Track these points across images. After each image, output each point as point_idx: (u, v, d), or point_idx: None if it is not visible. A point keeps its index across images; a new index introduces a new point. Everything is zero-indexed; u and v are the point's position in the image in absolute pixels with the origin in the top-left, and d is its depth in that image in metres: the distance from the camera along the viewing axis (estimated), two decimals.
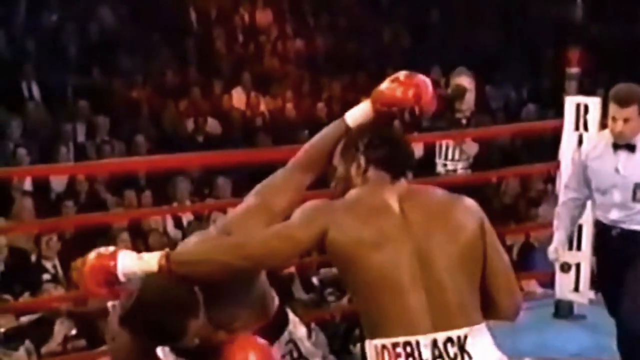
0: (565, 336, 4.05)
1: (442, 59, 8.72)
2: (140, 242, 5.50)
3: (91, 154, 7.24)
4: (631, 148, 3.37)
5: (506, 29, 10.96)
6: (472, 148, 4.42)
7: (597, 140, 3.54)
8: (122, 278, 1.96)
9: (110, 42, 8.81)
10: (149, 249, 5.45)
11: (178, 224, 6.19)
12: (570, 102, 4.26)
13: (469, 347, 1.89)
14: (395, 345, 1.89)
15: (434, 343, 1.89)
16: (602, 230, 3.49)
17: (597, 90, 8.22)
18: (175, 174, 6.57)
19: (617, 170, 3.36)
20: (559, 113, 4.47)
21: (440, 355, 1.89)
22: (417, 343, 1.89)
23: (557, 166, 4.33)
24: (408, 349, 1.88)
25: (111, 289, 1.96)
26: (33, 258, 5.33)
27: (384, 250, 1.92)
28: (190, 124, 8.30)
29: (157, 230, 5.76)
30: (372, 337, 1.93)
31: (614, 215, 3.37)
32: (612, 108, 3.33)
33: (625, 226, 3.35)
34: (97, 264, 1.96)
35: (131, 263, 1.97)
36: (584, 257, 4.18)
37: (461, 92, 4.45)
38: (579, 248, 4.19)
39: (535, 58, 10.56)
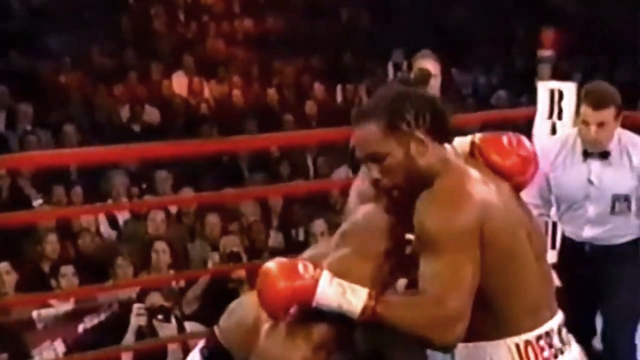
0: None
1: (406, 41, 8.76)
2: (70, 244, 5.44)
3: (13, 146, 7.14)
4: (604, 155, 3.23)
5: (475, 8, 11.05)
6: None
7: (558, 144, 3.34)
8: (313, 305, 1.80)
9: (35, 19, 8.69)
10: (79, 251, 5.40)
11: (113, 223, 6.14)
12: (543, 88, 4.30)
13: (565, 333, 1.99)
14: (539, 338, 1.93)
15: (559, 330, 1.97)
16: (572, 247, 3.37)
17: (573, 75, 8.38)
18: (109, 168, 6.51)
19: (590, 181, 3.23)
20: (532, 100, 4.52)
21: (563, 342, 1.97)
22: (552, 331, 1.95)
23: None
24: (548, 340, 1.94)
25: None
26: None
27: (520, 234, 1.92)
28: (126, 112, 8.23)
29: (89, 231, 5.71)
30: (502, 336, 1.91)
31: (588, 232, 3.26)
32: (585, 111, 3.19)
33: (603, 243, 3.25)
34: (300, 288, 1.78)
35: (333, 296, 1.79)
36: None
37: (425, 77, 4.41)
38: (553, 246, 4.21)
39: (507, 39, 10.67)
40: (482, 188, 1.86)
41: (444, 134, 1.90)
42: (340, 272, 1.83)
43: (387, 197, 1.88)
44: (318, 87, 9.48)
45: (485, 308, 1.86)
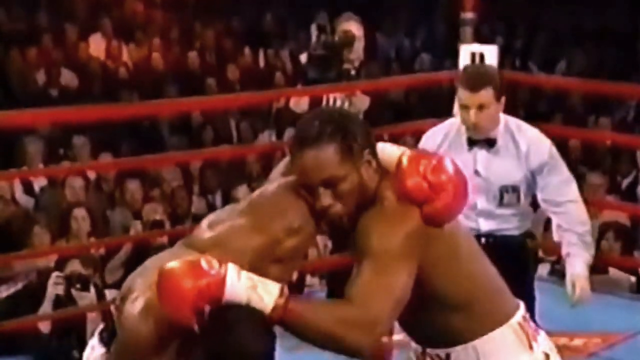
0: None
1: (328, 3, 8.74)
2: None
3: None
4: (490, 144, 3.07)
5: None
6: (362, 102, 4.45)
7: (441, 133, 3.17)
8: (223, 302, 1.69)
9: None
10: None
11: (29, 190, 6.02)
12: (465, 51, 4.35)
13: None
14: (524, 317, 1.98)
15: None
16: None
17: (495, 38, 8.48)
18: (24, 133, 6.37)
19: (476, 172, 3.05)
20: (455, 63, 4.56)
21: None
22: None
23: None
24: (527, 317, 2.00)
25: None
26: None
27: (460, 228, 1.96)
28: (41, 76, 8.05)
29: (4, 198, 5.58)
30: (500, 322, 1.93)
31: (484, 225, 3.12)
32: (462, 94, 3.00)
33: (497, 235, 3.11)
34: (204, 286, 1.66)
35: (243, 291, 1.69)
36: None
37: (349, 39, 4.47)
38: None
39: (429, 3, 10.73)
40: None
41: (375, 152, 1.88)
42: (228, 240, 1.79)
43: (330, 224, 1.83)
44: (240, 51, 9.40)
45: (470, 302, 1.89)
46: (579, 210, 3.12)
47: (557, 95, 8.59)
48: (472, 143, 3.08)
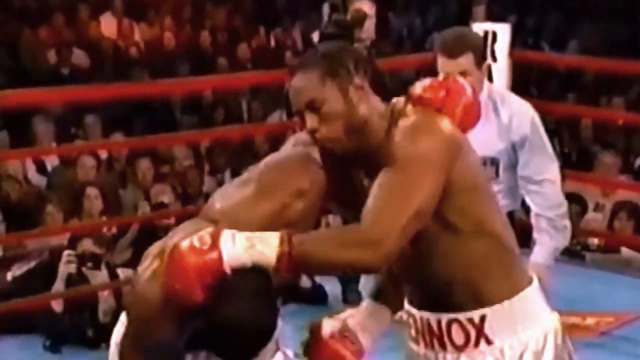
0: None
1: None
2: None
3: None
4: None
5: None
6: None
7: None
8: (228, 272, 1.67)
9: None
10: (6, 198, 5.30)
11: (41, 169, 6.04)
12: (477, 30, 4.33)
13: None
14: None
15: None
16: None
17: (507, 17, 8.42)
18: (36, 112, 6.38)
19: None
20: None
21: None
22: None
23: None
24: None
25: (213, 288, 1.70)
26: None
27: (483, 177, 1.93)
28: (52, 56, 8.04)
29: (16, 178, 5.60)
30: (529, 282, 1.89)
31: None
32: (441, 62, 2.84)
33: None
34: (201, 262, 1.65)
35: (242, 253, 1.67)
36: None
37: (361, 18, 4.44)
38: None
39: None
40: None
41: (382, 91, 1.84)
42: (237, 209, 1.80)
43: (321, 149, 1.82)
44: (251, 30, 9.37)
45: (498, 258, 1.83)
46: (555, 191, 2.99)
47: (570, 74, 8.54)
48: None
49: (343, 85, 1.78)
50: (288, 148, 1.94)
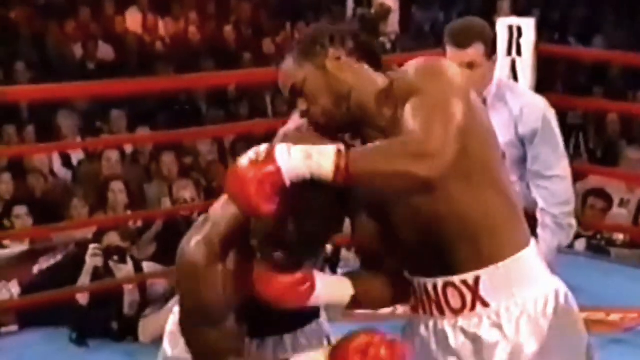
0: None
1: None
2: (23, 184, 5.38)
3: None
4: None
5: None
6: None
7: None
8: (288, 184, 1.66)
9: None
10: (32, 192, 5.34)
11: (67, 162, 6.08)
12: (502, 24, 4.30)
13: None
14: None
15: None
16: None
17: (532, 11, 8.37)
18: (62, 106, 6.42)
19: None
20: None
21: None
22: None
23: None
24: None
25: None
26: None
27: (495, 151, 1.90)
28: (78, 50, 8.10)
29: (42, 171, 5.64)
30: (526, 244, 1.86)
31: None
32: (450, 52, 2.78)
33: None
34: (260, 176, 1.64)
35: (298, 164, 1.66)
36: None
37: (385, 12, 4.43)
38: None
39: None
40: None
41: (373, 59, 1.83)
42: (213, 211, 1.84)
43: (317, 130, 1.81)
44: (275, 25, 9.38)
45: (498, 209, 1.81)
46: (565, 188, 2.95)
47: (596, 69, 8.48)
48: None
49: (318, 61, 1.80)
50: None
